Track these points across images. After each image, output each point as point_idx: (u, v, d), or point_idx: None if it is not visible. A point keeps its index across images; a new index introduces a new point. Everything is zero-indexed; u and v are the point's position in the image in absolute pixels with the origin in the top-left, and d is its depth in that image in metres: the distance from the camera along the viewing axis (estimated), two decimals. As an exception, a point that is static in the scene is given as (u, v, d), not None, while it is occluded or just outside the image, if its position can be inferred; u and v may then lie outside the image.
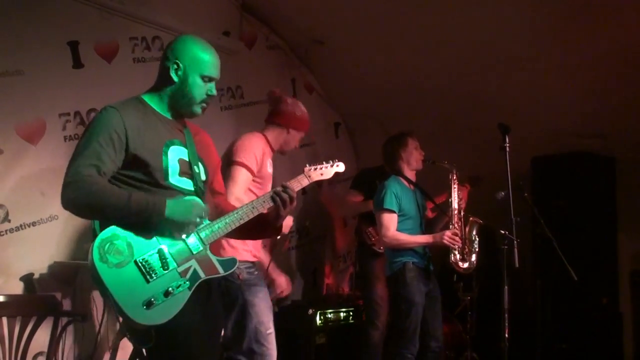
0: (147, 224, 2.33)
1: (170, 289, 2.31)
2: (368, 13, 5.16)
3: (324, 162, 2.87)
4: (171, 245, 2.39)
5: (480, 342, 5.22)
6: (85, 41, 4.37)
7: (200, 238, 2.45)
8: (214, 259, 2.47)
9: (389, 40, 5.36)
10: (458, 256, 4.36)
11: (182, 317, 2.32)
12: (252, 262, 3.55)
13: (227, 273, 2.50)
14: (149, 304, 2.26)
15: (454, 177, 4.47)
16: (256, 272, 3.53)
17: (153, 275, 2.31)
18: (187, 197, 2.44)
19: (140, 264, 2.30)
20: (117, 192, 2.33)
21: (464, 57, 5.15)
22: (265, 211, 2.62)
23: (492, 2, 4.67)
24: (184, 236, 2.42)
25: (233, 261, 2.53)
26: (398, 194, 4.32)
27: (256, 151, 3.54)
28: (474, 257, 4.43)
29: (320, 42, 5.81)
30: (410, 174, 4.48)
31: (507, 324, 3.78)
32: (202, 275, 2.41)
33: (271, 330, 3.46)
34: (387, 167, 4.59)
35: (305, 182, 2.76)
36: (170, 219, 2.34)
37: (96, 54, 4.45)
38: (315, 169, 2.82)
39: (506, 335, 3.79)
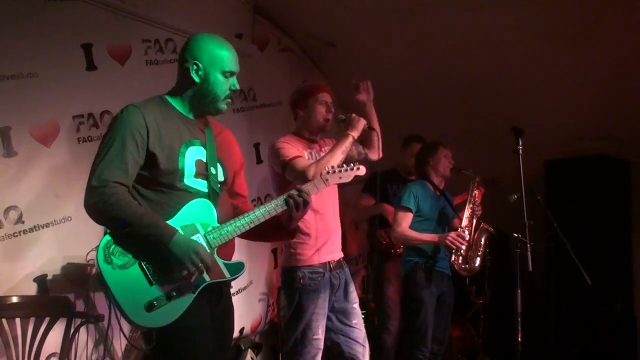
0: (150, 246, 2.31)
1: (173, 292, 2.31)
2: (380, 16, 5.15)
3: (344, 165, 2.77)
4: None
5: (493, 346, 5.20)
6: (98, 43, 4.39)
7: (208, 241, 2.42)
8: (220, 262, 2.45)
9: (401, 43, 5.36)
10: (460, 258, 4.37)
11: (186, 319, 2.31)
12: (317, 265, 3.47)
13: (233, 277, 2.48)
14: (150, 307, 2.26)
15: (475, 184, 4.56)
16: (320, 278, 3.44)
17: (157, 277, 2.31)
18: (197, 238, 2.39)
19: (144, 266, 2.31)
20: (132, 209, 2.30)
21: (477, 59, 5.14)
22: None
23: (507, 4, 4.65)
24: (191, 237, 2.38)
25: (240, 265, 2.50)
26: (418, 194, 4.40)
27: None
28: (477, 262, 4.45)
29: (332, 45, 5.81)
30: (438, 181, 4.55)
31: (520, 328, 3.77)
32: (207, 279, 2.40)
33: (318, 336, 3.41)
34: (417, 172, 4.70)
35: (322, 186, 2.67)
36: (171, 251, 2.29)
37: (109, 56, 4.47)
38: (334, 171, 2.71)
39: (519, 339, 3.78)
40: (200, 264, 2.33)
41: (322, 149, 3.63)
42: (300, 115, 3.63)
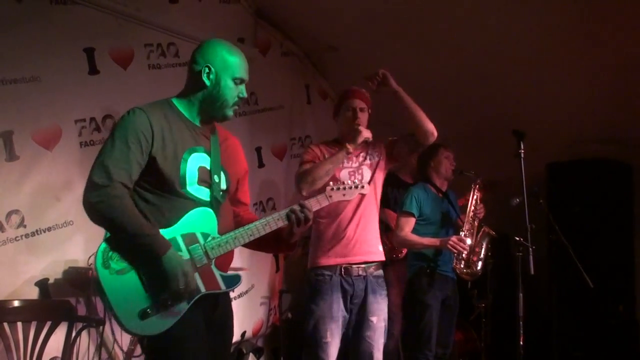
0: (144, 255, 2.30)
1: (168, 301, 2.30)
2: (382, 19, 5.15)
3: (347, 182, 2.81)
4: None
5: (495, 350, 5.19)
6: (100, 48, 4.40)
7: (206, 251, 2.42)
8: (217, 273, 2.45)
9: (403, 46, 5.35)
10: (462, 263, 4.36)
11: (178, 328, 2.31)
12: (323, 267, 3.49)
13: (228, 289, 2.49)
14: (144, 315, 2.26)
15: (476, 187, 4.53)
16: (326, 281, 3.45)
17: (152, 286, 2.30)
18: (196, 247, 2.40)
19: (141, 274, 2.30)
20: (133, 217, 2.29)
21: (479, 62, 5.13)
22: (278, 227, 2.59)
23: (509, 8, 4.65)
24: (190, 247, 2.39)
25: (236, 278, 2.51)
26: (420, 198, 4.38)
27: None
28: (479, 266, 4.43)
29: (334, 48, 5.81)
30: (440, 183, 4.53)
31: (522, 332, 3.76)
32: (203, 289, 2.40)
33: (327, 340, 3.41)
34: (419, 175, 4.69)
35: (325, 203, 2.70)
36: (163, 264, 2.28)
37: (112, 60, 4.48)
38: (338, 188, 2.75)
39: (521, 343, 3.77)
40: (187, 284, 2.32)
41: (356, 155, 3.62)
42: (337, 123, 3.75)
